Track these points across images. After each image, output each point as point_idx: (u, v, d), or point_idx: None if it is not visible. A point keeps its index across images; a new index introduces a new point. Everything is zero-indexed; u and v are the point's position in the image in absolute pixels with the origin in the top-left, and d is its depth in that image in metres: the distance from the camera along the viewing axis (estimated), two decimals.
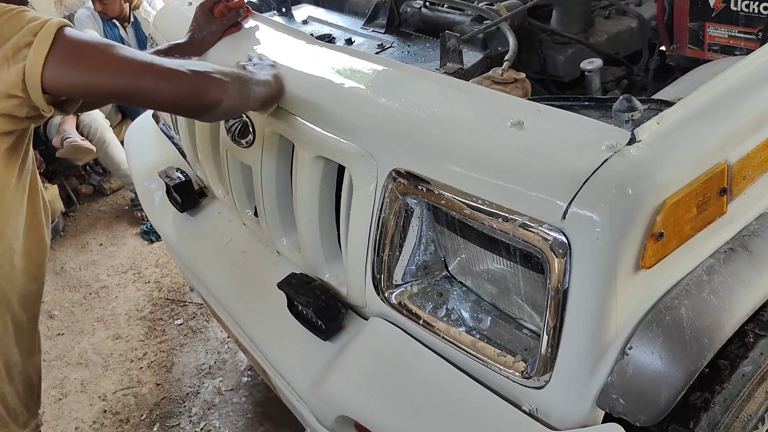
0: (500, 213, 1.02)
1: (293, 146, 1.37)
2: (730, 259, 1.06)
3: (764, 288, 1.07)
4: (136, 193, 3.21)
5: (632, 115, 1.02)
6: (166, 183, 1.82)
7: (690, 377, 0.96)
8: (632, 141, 0.98)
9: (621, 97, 1.03)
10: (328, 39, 1.65)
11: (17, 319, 1.44)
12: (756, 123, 1.08)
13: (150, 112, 2.30)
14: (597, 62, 1.47)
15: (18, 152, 1.32)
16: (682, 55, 1.71)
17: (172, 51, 1.60)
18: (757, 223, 1.12)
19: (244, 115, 1.46)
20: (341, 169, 1.30)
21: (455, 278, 1.24)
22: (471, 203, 1.05)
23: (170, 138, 2.08)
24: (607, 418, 1.02)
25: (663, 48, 1.78)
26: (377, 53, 1.62)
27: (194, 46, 1.64)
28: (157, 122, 2.20)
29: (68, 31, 1.16)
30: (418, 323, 1.19)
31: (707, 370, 1.10)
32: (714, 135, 1.03)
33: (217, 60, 1.62)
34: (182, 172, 1.83)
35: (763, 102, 1.09)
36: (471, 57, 1.53)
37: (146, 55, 1.20)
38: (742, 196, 1.08)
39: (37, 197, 1.44)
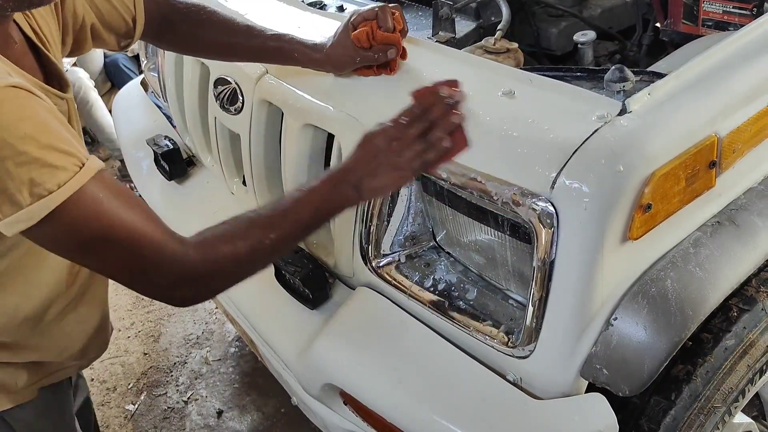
0: (489, 183, 1.01)
1: (282, 114, 1.36)
2: (717, 233, 1.07)
3: (749, 262, 1.08)
4: (123, 162, 3.17)
5: (624, 86, 1.02)
6: (154, 151, 1.80)
7: (673, 348, 0.97)
8: (623, 112, 0.98)
9: (613, 68, 1.03)
10: (319, 5, 1.63)
11: None
12: (747, 96, 1.07)
13: (138, 78, 2.26)
14: (590, 34, 1.46)
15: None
16: (675, 30, 1.70)
17: (282, 41, 1.25)
18: (745, 197, 1.13)
19: (233, 81, 1.44)
20: (330, 138, 1.29)
21: (443, 249, 1.24)
22: (460, 172, 1.05)
23: (158, 106, 2.05)
24: (591, 388, 1.03)
25: (657, 23, 1.77)
26: None
27: (311, 53, 1.24)
28: (146, 90, 2.18)
29: (71, 211, 0.82)
30: (405, 293, 1.19)
31: (690, 343, 1.11)
32: (705, 108, 1.03)
33: None
34: (171, 140, 1.81)
35: (754, 76, 1.08)
36: (463, 26, 1.52)
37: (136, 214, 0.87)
38: (731, 170, 1.08)
39: None
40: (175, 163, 1.77)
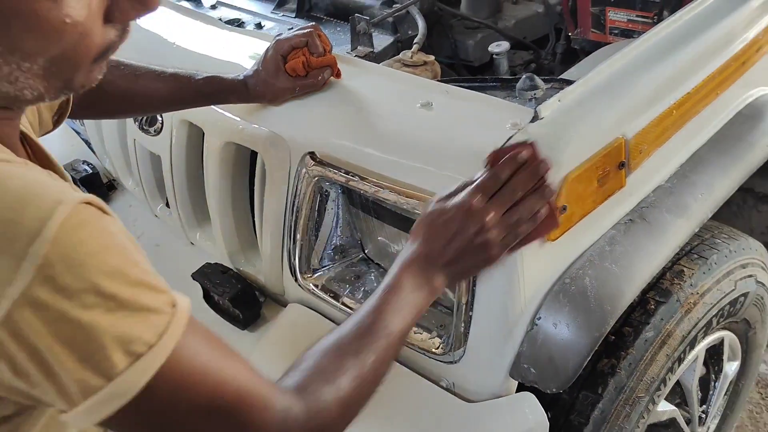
0: (412, 192, 1.03)
1: (203, 133, 1.34)
2: (630, 230, 1.11)
3: (662, 256, 1.13)
4: None
5: (535, 94, 1.05)
6: (72, 176, 1.74)
7: (595, 343, 1.00)
8: (535, 118, 1.01)
9: (524, 77, 1.07)
10: (237, 24, 1.62)
11: None
12: (650, 99, 1.13)
13: None
14: (504, 45, 1.50)
15: None
16: (586, 38, 1.78)
17: (215, 85, 1.19)
18: (654, 195, 1.18)
19: None
20: (254, 155, 1.28)
21: (372, 260, 1.25)
22: (383, 184, 1.06)
23: (76, 131, 1.99)
24: (521, 388, 1.05)
25: (569, 33, 1.84)
26: None
27: (245, 90, 1.20)
28: None
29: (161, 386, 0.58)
30: (336, 307, 1.19)
31: (613, 337, 1.15)
32: (611, 111, 1.07)
33: None
34: (89, 165, 1.76)
35: (656, 78, 1.14)
36: (381, 40, 1.54)
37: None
38: (640, 170, 1.13)
39: None
40: (96, 188, 1.72)
